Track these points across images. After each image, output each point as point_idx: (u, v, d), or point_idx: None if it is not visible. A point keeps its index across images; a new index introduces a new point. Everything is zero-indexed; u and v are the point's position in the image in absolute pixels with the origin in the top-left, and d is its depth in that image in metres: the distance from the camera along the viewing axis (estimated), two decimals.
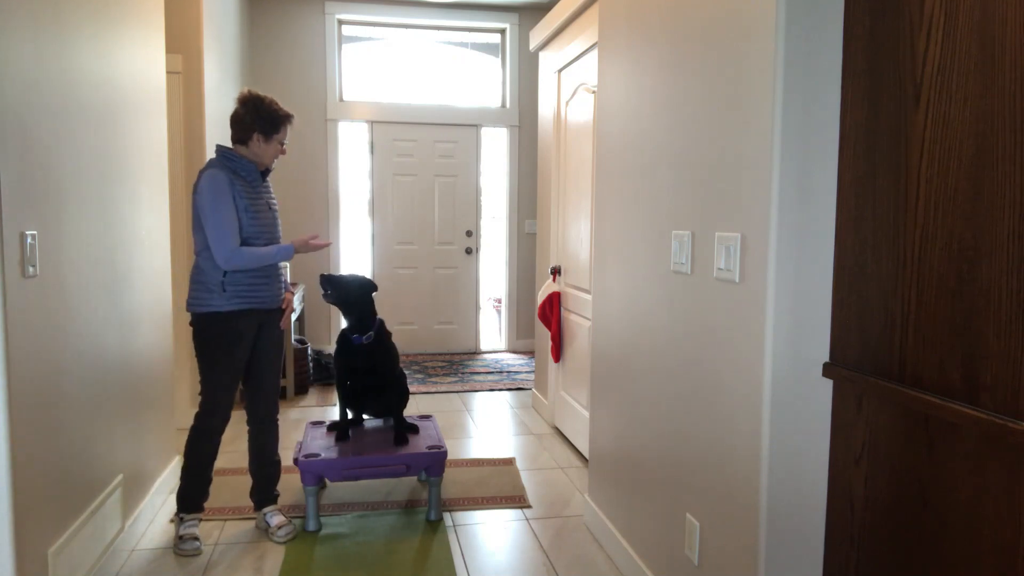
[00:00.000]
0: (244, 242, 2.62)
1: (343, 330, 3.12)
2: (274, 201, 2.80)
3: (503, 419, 4.52)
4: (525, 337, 6.72)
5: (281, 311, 2.83)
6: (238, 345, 2.66)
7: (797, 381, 1.70)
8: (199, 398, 2.69)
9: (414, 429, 3.26)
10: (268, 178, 2.80)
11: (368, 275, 6.45)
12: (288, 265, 5.34)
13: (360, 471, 2.89)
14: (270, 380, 2.83)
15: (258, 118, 2.62)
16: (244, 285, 2.63)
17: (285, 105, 2.75)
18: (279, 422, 2.88)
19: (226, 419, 2.73)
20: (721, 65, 1.87)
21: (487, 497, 3.23)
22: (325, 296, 3.05)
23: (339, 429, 3.14)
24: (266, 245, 2.69)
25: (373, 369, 3.09)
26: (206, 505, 2.91)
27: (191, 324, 2.67)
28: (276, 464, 2.89)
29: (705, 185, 1.96)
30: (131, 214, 2.74)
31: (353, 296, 3.04)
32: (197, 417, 2.70)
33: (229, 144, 2.71)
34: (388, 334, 3.18)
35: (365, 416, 3.38)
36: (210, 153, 4.18)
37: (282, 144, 2.72)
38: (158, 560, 2.63)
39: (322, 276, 3.04)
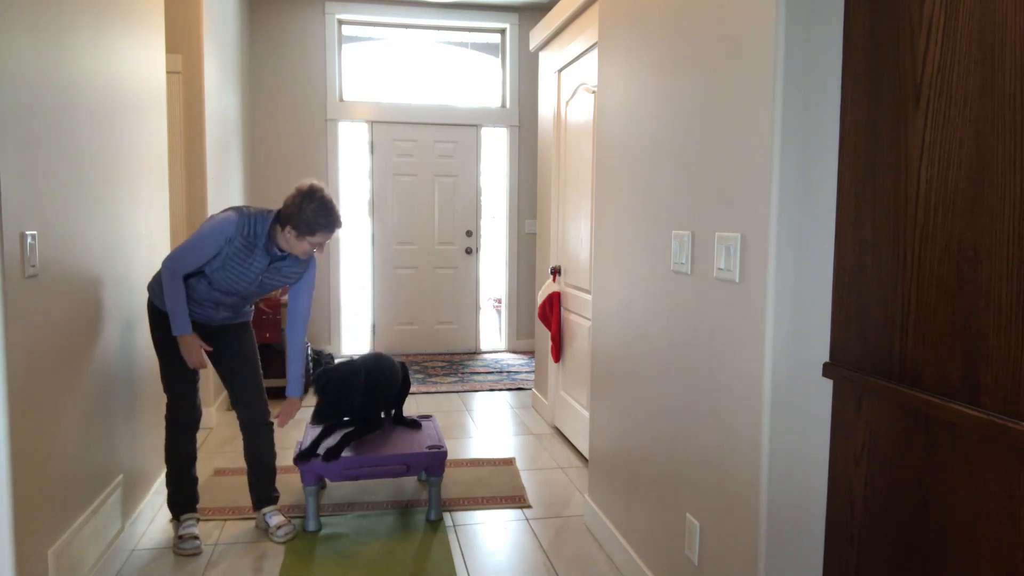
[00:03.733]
0: (199, 276, 2.56)
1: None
2: (277, 279, 2.66)
3: (503, 419, 4.52)
4: (525, 337, 6.72)
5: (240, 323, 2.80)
6: (173, 343, 2.61)
7: (797, 381, 1.70)
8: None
9: (416, 425, 3.27)
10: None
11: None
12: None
13: (360, 471, 2.89)
14: (249, 386, 2.77)
15: (298, 213, 2.49)
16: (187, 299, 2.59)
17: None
18: (272, 424, 2.84)
19: (191, 417, 2.71)
20: (721, 65, 1.87)
21: (487, 497, 3.23)
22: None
23: (310, 455, 2.95)
24: (221, 293, 2.61)
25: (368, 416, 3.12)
26: (205, 505, 2.92)
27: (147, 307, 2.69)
28: (270, 467, 2.87)
29: (705, 185, 1.96)
30: (131, 214, 2.74)
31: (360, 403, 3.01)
32: (165, 416, 2.71)
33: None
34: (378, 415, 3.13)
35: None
36: (210, 152, 4.18)
37: (316, 245, 2.58)
38: (158, 560, 2.63)
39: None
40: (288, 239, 2.55)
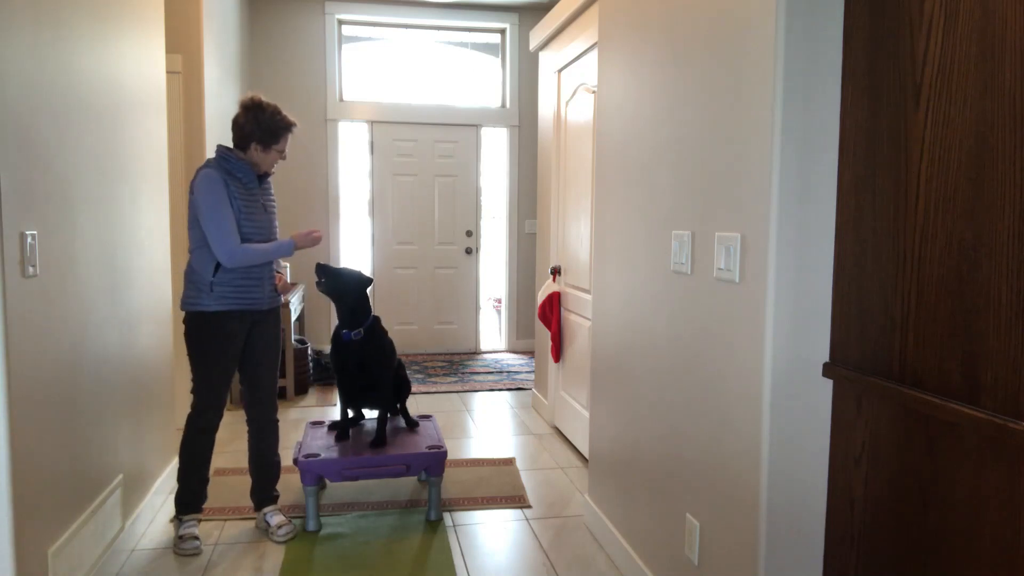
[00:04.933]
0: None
1: (336, 326, 3.12)
2: (272, 202, 2.78)
3: (503, 419, 4.52)
4: (525, 337, 6.72)
5: (275, 310, 2.83)
6: (227, 345, 2.65)
7: (797, 381, 1.70)
8: (191, 397, 2.70)
9: (415, 425, 3.27)
10: (269, 179, 2.79)
11: (367, 272, 6.45)
12: (288, 265, 5.34)
13: (360, 471, 2.89)
14: (267, 381, 2.82)
15: (257, 127, 2.60)
16: (232, 287, 2.62)
17: (287, 109, 2.71)
18: (279, 422, 2.88)
19: (218, 417, 2.73)
20: (721, 65, 1.87)
21: (487, 497, 3.23)
22: (319, 284, 3.02)
23: (338, 428, 3.14)
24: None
25: (363, 366, 3.06)
26: (206, 505, 2.91)
27: (184, 322, 2.67)
28: (275, 464, 2.89)
29: (705, 185, 1.96)
30: (131, 214, 2.74)
31: (346, 289, 3.03)
32: (190, 417, 2.70)
33: (231, 143, 2.71)
34: (383, 332, 3.15)
35: (366, 414, 3.38)
36: (210, 153, 4.18)
37: (282, 152, 2.70)
38: (158, 560, 2.63)
39: (318, 265, 3.03)
40: (256, 156, 2.65)
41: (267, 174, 2.74)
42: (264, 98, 2.66)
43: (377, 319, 3.14)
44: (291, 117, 2.68)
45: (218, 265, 2.59)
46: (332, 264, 3.07)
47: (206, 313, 2.61)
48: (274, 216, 2.79)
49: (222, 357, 2.66)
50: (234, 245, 2.56)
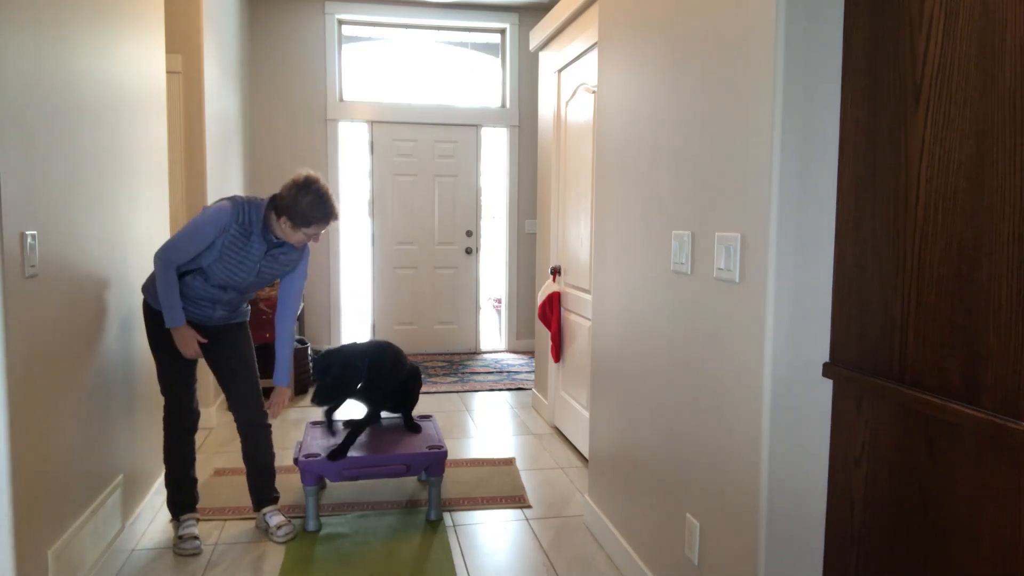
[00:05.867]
0: (194, 273, 2.55)
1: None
2: (271, 269, 2.65)
3: (503, 419, 4.52)
4: (525, 337, 6.72)
5: (237, 323, 2.77)
6: (167, 344, 2.60)
7: (797, 381, 1.70)
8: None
9: (417, 429, 3.27)
10: (303, 251, 2.71)
11: (366, 271, 6.46)
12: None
13: (360, 471, 2.89)
14: (244, 389, 2.75)
15: (293, 205, 2.50)
16: (184, 297, 2.58)
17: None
18: (270, 427, 2.84)
19: (189, 418, 2.72)
20: (721, 65, 1.87)
21: (487, 497, 3.23)
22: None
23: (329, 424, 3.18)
24: (218, 289, 2.59)
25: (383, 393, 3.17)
26: (205, 505, 2.91)
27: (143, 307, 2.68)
28: (268, 468, 2.86)
29: (705, 185, 1.96)
30: (130, 214, 2.74)
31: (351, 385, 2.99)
32: (163, 419, 2.71)
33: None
34: (387, 365, 3.10)
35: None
36: (210, 152, 4.18)
37: (311, 236, 2.58)
38: (158, 560, 2.63)
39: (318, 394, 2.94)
40: (283, 228, 2.55)
41: (289, 243, 2.63)
42: (320, 181, 2.54)
43: (373, 376, 3.04)
44: (335, 208, 2.55)
45: (182, 274, 2.55)
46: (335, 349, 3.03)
47: (149, 306, 2.62)
48: (265, 282, 2.68)
49: (168, 353, 2.62)
50: (167, 257, 2.48)
